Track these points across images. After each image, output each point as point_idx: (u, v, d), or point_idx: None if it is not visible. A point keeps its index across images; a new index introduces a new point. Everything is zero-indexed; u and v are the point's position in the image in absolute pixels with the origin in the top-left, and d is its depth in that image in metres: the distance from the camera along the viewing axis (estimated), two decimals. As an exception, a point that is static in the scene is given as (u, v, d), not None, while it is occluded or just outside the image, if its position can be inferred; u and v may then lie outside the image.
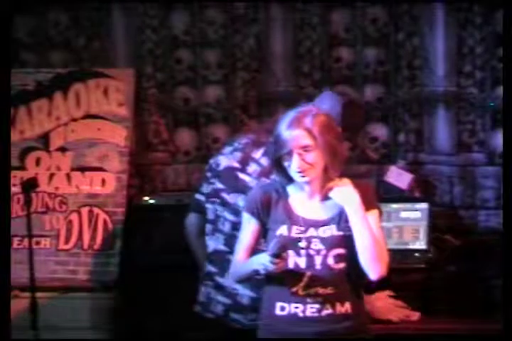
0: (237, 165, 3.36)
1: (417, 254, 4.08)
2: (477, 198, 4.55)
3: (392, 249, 4.02)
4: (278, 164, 2.90)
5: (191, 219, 3.54)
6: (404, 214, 4.15)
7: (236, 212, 3.30)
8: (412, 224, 4.14)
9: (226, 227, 3.37)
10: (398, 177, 4.44)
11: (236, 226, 3.25)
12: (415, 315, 3.67)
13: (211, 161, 3.50)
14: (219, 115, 4.77)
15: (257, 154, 3.32)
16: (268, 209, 2.94)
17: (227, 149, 3.45)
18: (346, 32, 4.65)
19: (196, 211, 3.51)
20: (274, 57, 4.70)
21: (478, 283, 3.75)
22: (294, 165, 2.84)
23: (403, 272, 3.78)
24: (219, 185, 3.39)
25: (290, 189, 2.96)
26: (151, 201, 4.56)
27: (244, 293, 3.30)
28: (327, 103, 3.45)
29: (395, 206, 4.16)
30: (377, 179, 4.56)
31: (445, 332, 3.60)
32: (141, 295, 4.28)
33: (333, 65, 4.67)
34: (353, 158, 4.64)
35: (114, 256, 4.39)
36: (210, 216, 3.43)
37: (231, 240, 3.31)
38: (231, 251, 3.29)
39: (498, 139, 4.46)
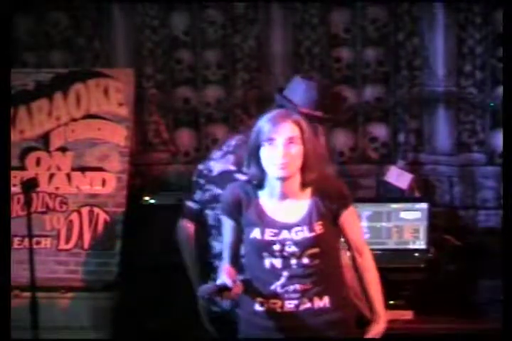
0: (232, 167, 3.35)
1: (416, 254, 4.08)
2: (477, 198, 4.55)
3: (392, 248, 4.06)
4: (255, 157, 2.88)
5: (184, 225, 3.51)
6: (404, 214, 4.15)
7: None
8: (412, 224, 4.14)
9: None
10: (398, 177, 4.44)
11: None
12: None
13: (201, 167, 3.48)
14: (219, 115, 4.77)
15: None
16: (239, 210, 2.95)
17: (217, 154, 3.45)
18: (346, 32, 4.65)
19: (189, 218, 3.49)
20: (274, 57, 4.70)
21: (478, 283, 3.75)
22: (277, 155, 2.82)
23: (403, 272, 3.78)
24: (217, 191, 3.37)
25: (261, 191, 2.95)
26: (151, 201, 4.57)
27: None
28: (299, 90, 3.43)
29: (394, 206, 4.16)
30: (377, 179, 4.56)
31: (445, 332, 3.61)
32: (141, 295, 4.28)
33: (333, 65, 4.67)
34: (353, 158, 4.65)
35: (114, 256, 4.39)
36: (211, 221, 3.42)
37: None
38: None
39: (498, 139, 4.46)
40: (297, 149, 2.83)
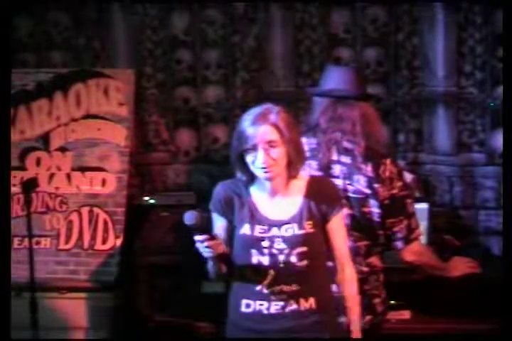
0: None
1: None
2: (477, 198, 4.55)
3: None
4: (240, 161, 2.90)
5: None
6: (404, 214, 4.14)
7: None
8: (412, 224, 4.12)
9: None
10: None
11: None
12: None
13: None
14: (219, 115, 4.77)
15: None
16: (231, 208, 2.95)
17: None
18: (346, 32, 4.65)
19: None
20: (274, 57, 4.70)
21: (478, 283, 3.75)
22: (259, 161, 2.84)
23: (403, 272, 3.78)
24: None
25: (252, 188, 2.96)
26: (151, 201, 4.57)
27: None
28: (344, 77, 3.42)
29: (395, 206, 4.14)
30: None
31: (445, 332, 3.61)
32: (141, 294, 4.28)
33: (333, 65, 4.68)
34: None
35: (114, 256, 4.40)
36: None
37: None
38: None
39: (498, 139, 4.46)
40: (278, 151, 2.85)
